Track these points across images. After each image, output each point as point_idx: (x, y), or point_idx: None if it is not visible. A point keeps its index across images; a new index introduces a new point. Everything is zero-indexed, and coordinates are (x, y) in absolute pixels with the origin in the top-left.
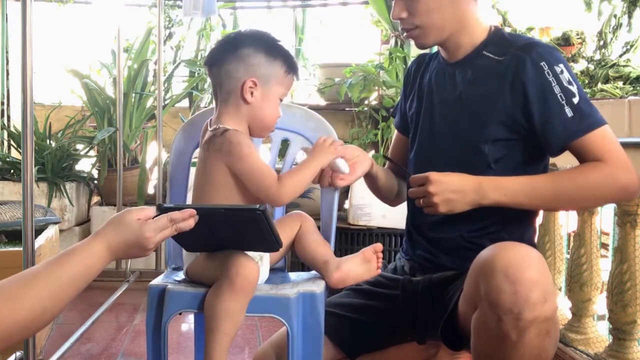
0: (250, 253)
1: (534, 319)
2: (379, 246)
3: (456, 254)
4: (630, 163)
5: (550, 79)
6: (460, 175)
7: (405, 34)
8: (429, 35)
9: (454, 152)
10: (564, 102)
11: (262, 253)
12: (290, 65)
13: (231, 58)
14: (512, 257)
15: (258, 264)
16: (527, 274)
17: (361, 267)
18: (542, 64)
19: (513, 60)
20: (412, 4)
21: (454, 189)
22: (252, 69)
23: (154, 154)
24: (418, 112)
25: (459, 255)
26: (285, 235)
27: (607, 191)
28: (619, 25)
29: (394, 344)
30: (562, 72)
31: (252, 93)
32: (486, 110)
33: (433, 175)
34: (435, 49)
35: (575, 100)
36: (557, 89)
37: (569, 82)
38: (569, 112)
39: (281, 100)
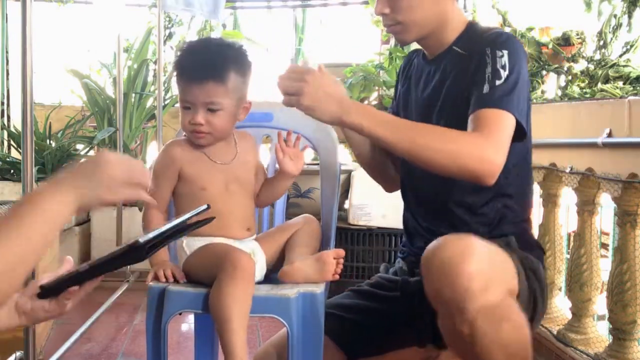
0: (242, 248)
1: (479, 309)
2: (340, 252)
3: None
4: (506, 150)
5: (488, 60)
6: (339, 86)
7: (386, 29)
8: (409, 31)
9: None
10: (487, 80)
11: (255, 248)
12: (181, 73)
13: None
14: (449, 252)
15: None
16: (464, 266)
17: (313, 267)
18: (487, 48)
19: (475, 54)
20: (395, 0)
21: (327, 91)
22: None
23: (154, 154)
24: (400, 109)
25: None
26: (284, 237)
27: (467, 156)
28: (619, 25)
29: (394, 347)
30: (502, 56)
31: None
32: (456, 102)
33: (320, 70)
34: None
35: (498, 82)
36: (488, 69)
37: (503, 67)
38: (486, 88)
39: (187, 107)
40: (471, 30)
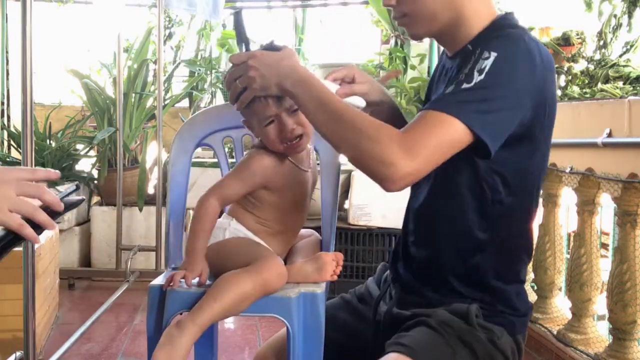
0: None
1: None
2: (339, 255)
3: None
4: (426, 158)
5: (471, 58)
6: (281, 55)
7: (396, 22)
8: (417, 24)
9: None
10: (458, 80)
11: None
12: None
13: None
14: None
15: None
16: None
17: (312, 267)
18: (480, 47)
19: (477, 45)
20: None
21: (270, 64)
22: (242, 112)
23: (154, 154)
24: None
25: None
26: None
27: (371, 156)
28: (619, 25)
29: None
30: (487, 58)
31: (253, 130)
32: None
33: (256, 52)
34: None
35: (465, 86)
36: (466, 69)
37: (480, 71)
38: (450, 88)
39: (272, 121)
40: (494, 25)
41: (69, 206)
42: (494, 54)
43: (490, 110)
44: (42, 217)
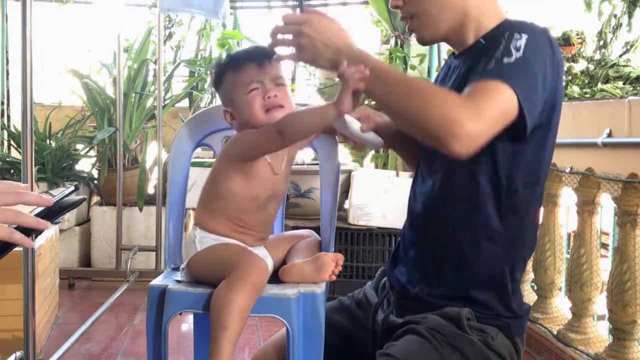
0: (256, 252)
1: None
2: (339, 255)
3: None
4: (489, 122)
5: (502, 41)
6: (338, 28)
7: (406, 27)
8: (425, 25)
9: None
10: (495, 57)
11: (266, 256)
12: (235, 64)
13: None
14: None
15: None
16: None
17: (311, 267)
18: (506, 32)
19: (493, 41)
20: None
21: (325, 40)
22: (222, 100)
23: (154, 154)
24: None
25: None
26: (289, 245)
27: (434, 114)
28: (619, 25)
29: None
30: (519, 39)
31: (232, 118)
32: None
33: (313, 16)
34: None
35: (507, 60)
36: (500, 48)
37: (517, 48)
38: (491, 64)
39: (254, 88)
40: (506, 22)
41: (68, 206)
42: (524, 35)
43: (530, 86)
44: (28, 220)
